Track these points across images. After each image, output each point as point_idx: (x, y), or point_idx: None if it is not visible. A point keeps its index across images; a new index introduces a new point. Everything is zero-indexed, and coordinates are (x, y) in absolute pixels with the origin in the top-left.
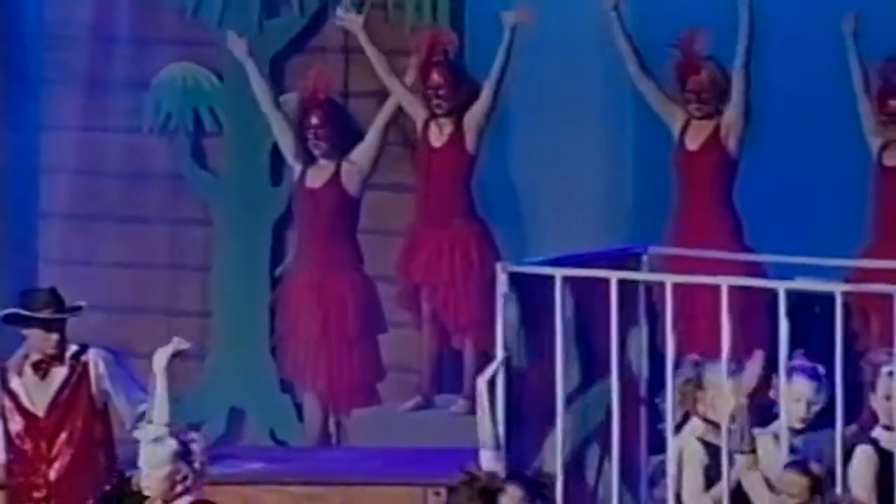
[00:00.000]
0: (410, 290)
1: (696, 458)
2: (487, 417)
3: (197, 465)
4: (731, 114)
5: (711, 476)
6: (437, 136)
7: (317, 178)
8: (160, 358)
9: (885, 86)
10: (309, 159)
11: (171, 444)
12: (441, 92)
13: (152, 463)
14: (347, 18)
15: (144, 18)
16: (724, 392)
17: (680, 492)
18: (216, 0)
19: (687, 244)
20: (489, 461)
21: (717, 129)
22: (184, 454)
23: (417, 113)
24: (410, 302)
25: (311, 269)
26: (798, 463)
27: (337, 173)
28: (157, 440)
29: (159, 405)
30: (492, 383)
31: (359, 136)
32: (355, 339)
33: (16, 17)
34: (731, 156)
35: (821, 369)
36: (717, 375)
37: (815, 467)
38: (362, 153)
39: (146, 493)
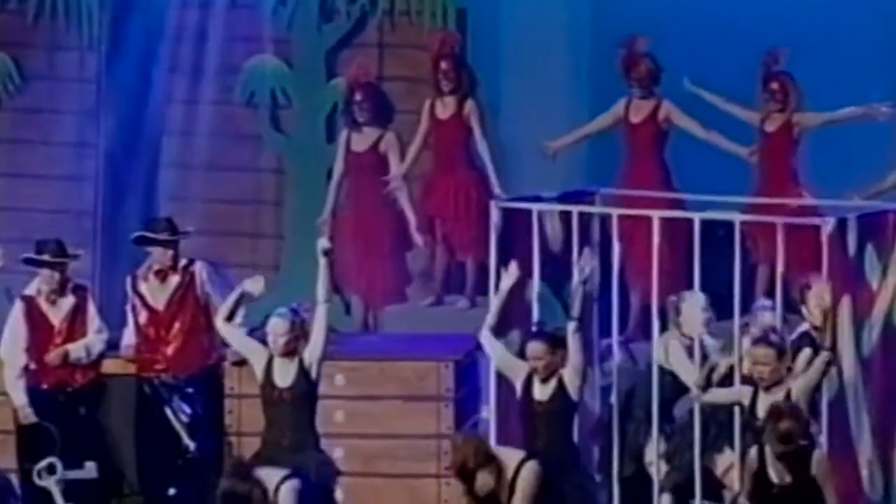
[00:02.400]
0: (427, 220)
1: (678, 347)
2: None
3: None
4: (668, 105)
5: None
6: (442, 111)
7: (360, 143)
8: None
9: (767, 72)
10: (354, 127)
11: (289, 315)
12: (449, 76)
13: (277, 330)
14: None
15: (237, 20)
16: (695, 313)
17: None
18: (287, 8)
19: (630, 188)
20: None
21: (655, 108)
22: (295, 324)
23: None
24: (427, 228)
25: (356, 207)
26: (762, 339)
27: (377, 141)
28: (279, 314)
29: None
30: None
31: (391, 110)
32: (388, 255)
33: (146, 17)
34: (663, 128)
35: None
36: (690, 303)
37: (774, 338)
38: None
39: (273, 351)
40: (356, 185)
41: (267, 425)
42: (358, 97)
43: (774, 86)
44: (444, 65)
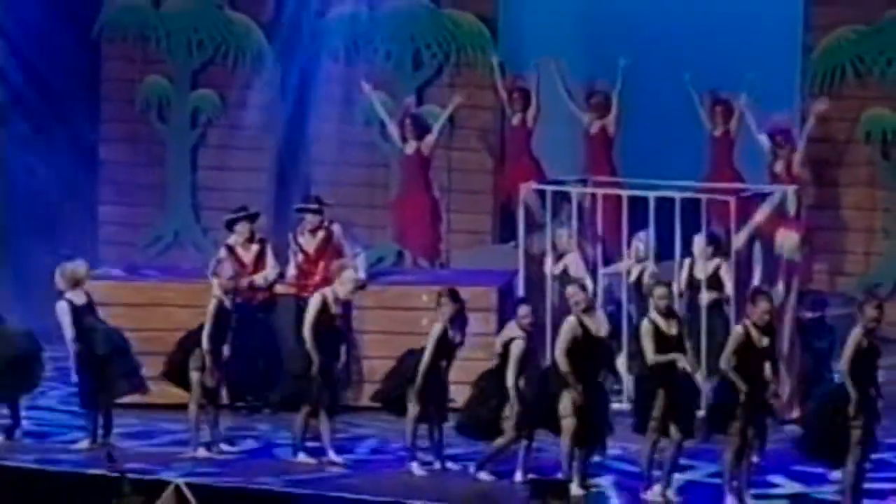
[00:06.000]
0: (506, 192)
1: (649, 331)
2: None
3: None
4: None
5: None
6: (514, 121)
7: (408, 148)
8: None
9: (713, 104)
10: (403, 141)
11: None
12: (518, 102)
13: (349, 277)
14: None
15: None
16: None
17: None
18: (391, 60)
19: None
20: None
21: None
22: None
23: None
24: (506, 197)
25: (406, 189)
26: (757, 290)
27: (419, 147)
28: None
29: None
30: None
31: (427, 129)
32: (427, 223)
33: (301, 69)
34: (611, 135)
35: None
36: (662, 282)
37: (765, 287)
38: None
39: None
40: (406, 177)
41: None
42: (407, 122)
43: (719, 108)
44: (515, 94)
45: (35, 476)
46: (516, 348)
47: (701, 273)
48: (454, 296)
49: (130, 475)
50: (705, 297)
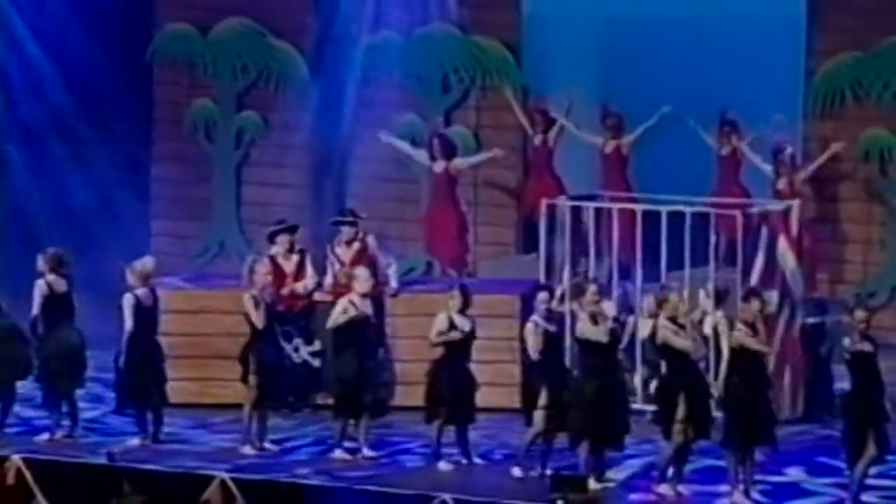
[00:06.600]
0: (528, 207)
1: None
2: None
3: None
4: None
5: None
6: (536, 142)
7: (437, 167)
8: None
9: (721, 124)
10: (432, 160)
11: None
12: (540, 125)
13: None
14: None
15: (395, 93)
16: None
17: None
18: (422, 84)
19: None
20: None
21: (619, 144)
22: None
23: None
24: (529, 211)
25: (436, 204)
26: (752, 290)
27: (447, 166)
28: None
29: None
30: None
31: (454, 148)
32: (454, 235)
33: (338, 93)
34: (625, 154)
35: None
36: (676, 291)
37: (761, 291)
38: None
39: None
40: (435, 193)
41: None
42: (435, 142)
43: (727, 129)
44: (537, 117)
45: (90, 470)
46: (531, 325)
47: (707, 327)
48: (463, 289)
49: (173, 470)
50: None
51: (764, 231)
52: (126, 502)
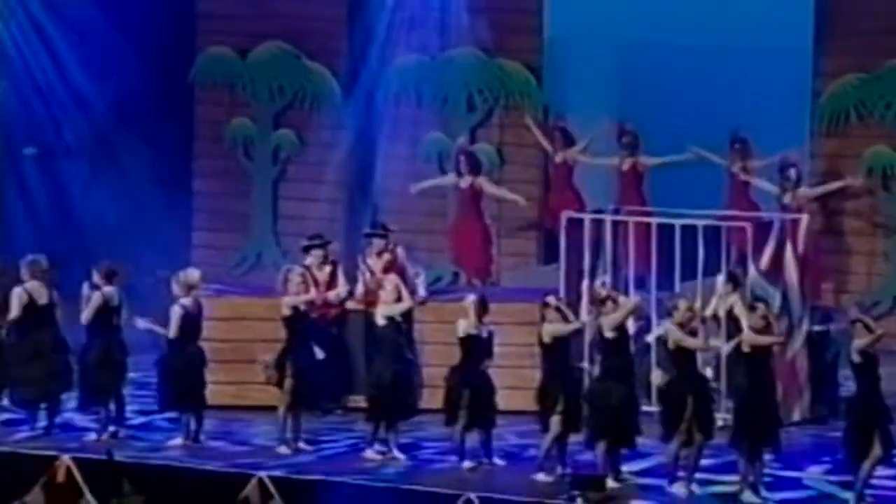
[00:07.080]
0: (551, 219)
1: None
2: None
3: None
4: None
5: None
6: (561, 158)
7: (462, 182)
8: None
9: (733, 142)
10: (458, 175)
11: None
12: (560, 142)
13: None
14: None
15: (424, 115)
16: (690, 306)
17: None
18: (448, 105)
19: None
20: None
21: (636, 162)
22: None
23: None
24: (551, 223)
25: (462, 217)
26: (757, 298)
27: (473, 182)
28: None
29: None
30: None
31: (479, 164)
32: (479, 248)
33: (367, 112)
34: (641, 171)
35: None
36: (685, 297)
37: (760, 305)
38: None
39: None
40: (461, 207)
41: None
42: (462, 158)
43: (738, 146)
44: (557, 134)
45: (138, 471)
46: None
47: (721, 310)
48: (481, 298)
49: (213, 468)
50: (725, 346)
51: (776, 224)
52: (126, 502)
